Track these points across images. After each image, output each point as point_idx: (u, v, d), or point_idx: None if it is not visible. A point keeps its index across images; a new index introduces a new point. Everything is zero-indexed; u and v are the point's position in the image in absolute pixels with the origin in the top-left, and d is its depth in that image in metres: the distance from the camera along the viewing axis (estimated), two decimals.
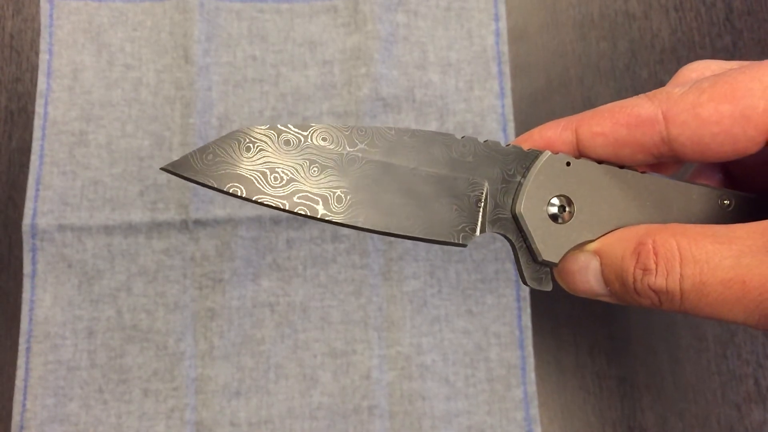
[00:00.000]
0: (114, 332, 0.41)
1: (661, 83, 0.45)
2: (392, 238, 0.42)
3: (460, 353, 0.41)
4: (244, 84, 0.45)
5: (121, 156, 0.43)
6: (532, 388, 0.41)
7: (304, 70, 0.45)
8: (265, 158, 0.25)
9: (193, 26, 0.44)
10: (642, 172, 0.27)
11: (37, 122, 0.43)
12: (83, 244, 0.42)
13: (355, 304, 0.42)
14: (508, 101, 0.44)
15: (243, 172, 0.25)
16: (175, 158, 0.43)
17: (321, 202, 0.25)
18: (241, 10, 0.45)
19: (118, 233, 0.42)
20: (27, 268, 0.41)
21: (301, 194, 0.25)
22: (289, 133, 0.26)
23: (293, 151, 0.26)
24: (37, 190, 0.42)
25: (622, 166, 0.27)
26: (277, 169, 0.25)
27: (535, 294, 0.42)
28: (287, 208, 0.25)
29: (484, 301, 0.42)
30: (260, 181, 0.25)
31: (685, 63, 0.45)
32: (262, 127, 0.25)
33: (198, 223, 0.42)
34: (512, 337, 0.41)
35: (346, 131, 0.26)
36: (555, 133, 0.27)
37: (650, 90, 0.42)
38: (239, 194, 0.25)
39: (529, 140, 0.28)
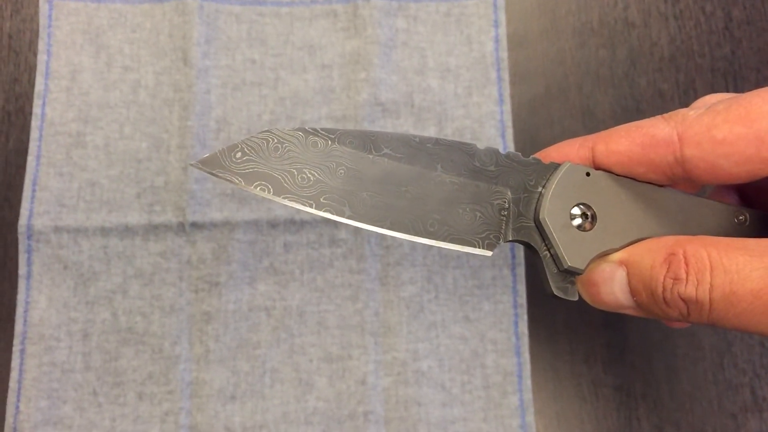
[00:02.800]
0: (109, 335, 0.41)
1: (660, 91, 0.45)
2: (390, 242, 0.42)
3: (457, 359, 0.41)
4: (243, 87, 0.44)
5: (119, 158, 0.43)
6: (528, 396, 0.40)
7: (303, 74, 0.45)
8: (292, 159, 0.26)
9: (192, 29, 0.44)
10: (660, 186, 0.28)
11: (35, 123, 0.43)
12: (79, 245, 0.41)
13: (351, 309, 0.42)
14: (507, 107, 0.44)
15: (270, 171, 0.25)
16: (173, 161, 0.43)
17: (347, 204, 0.26)
18: (241, 14, 0.45)
19: (114, 235, 0.42)
20: (22, 269, 0.41)
21: (327, 196, 0.26)
22: (317, 135, 0.26)
23: (320, 154, 0.26)
24: (34, 191, 0.42)
25: (640, 180, 0.27)
26: (304, 170, 0.26)
27: (532, 301, 0.42)
28: (314, 209, 0.25)
29: (481, 308, 0.42)
30: (287, 180, 0.26)
31: (684, 71, 0.45)
32: (291, 128, 0.26)
33: (195, 225, 0.42)
34: (509, 344, 0.41)
35: (372, 137, 0.26)
36: (572, 150, 0.28)
37: (649, 98, 0.43)
38: (266, 193, 0.25)
39: (547, 157, 0.29)
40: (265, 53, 0.45)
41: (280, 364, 0.41)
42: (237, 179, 0.25)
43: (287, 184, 0.25)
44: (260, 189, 0.25)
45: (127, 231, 0.42)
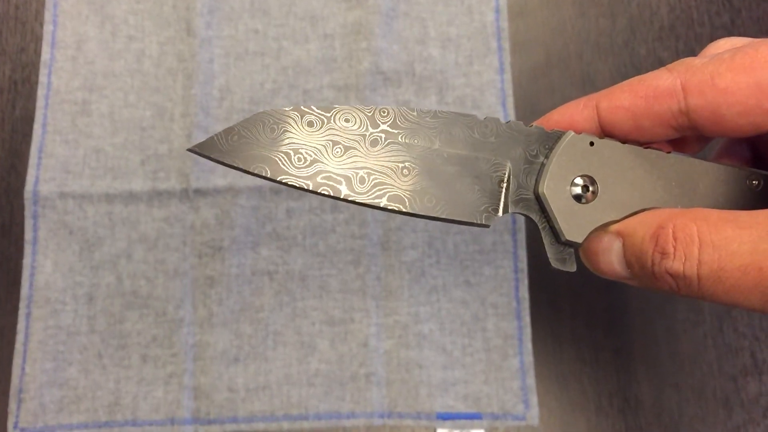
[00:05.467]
0: (114, 298, 0.41)
1: (660, 60, 0.45)
2: None
3: (458, 323, 0.41)
4: (246, 57, 0.45)
5: (123, 126, 0.43)
6: (529, 359, 0.41)
7: (306, 44, 0.45)
8: (289, 139, 0.26)
9: None
10: (667, 152, 0.27)
11: (41, 92, 0.43)
12: (84, 211, 0.42)
13: (353, 273, 0.42)
14: (508, 76, 0.45)
15: (268, 153, 0.26)
16: (177, 129, 0.43)
17: (344, 183, 0.26)
18: None
19: (119, 201, 0.42)
20: (28, 235, 0.41)
21: (324, 175, 0.26)
22: (312, 114, 0.26)
23: (316, 132, 0.26)
24: (40, 158, 0.42)
25: (646, 147, 0.27)
26: (300, 150, 0.26)
27: (533, 266, 0.42)
28: (311, 189, 0.26)
29: (482, 272, 0.42)
30: (284, 161, 0.26)
31: (684, 40, 0.45)
32: (286, 109, 0.26)
33: (198, 192, 0.42)
34: (509, 308, 0.42)
35: (369, 112, 0.26)
36: (576, 110, 0.27)
37: (649, 67, 0.43)
38: (264, 174, 0.25)
39: (550, 120, 0.28)
40: (268, 23, 0.46)
41: (282, 327, 0.41)
42: (236, 162, 0.25)
43: (284, 165, 0.26)
44: (258, 170, 0.25)
45: (131, 197, 0.42)
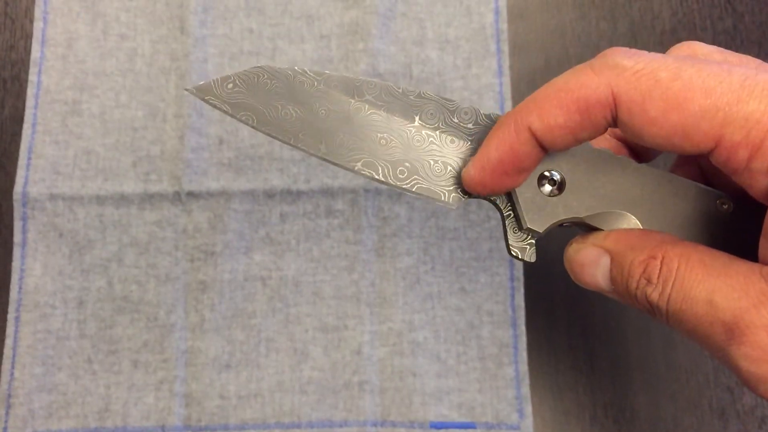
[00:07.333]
0: (104, 303, 0.41)
1: None
2: (387, 214, 0.42)
3: (452, 331, 0.41)
4: (240, 57, 0.44)
5: (115, 126, 0.43)
6: (524, 367, 0.40)
7: (301, 44, 0.44)
8: (279, 94, 0.28)
9: None
10: (638, 163, 0.27)
11: (30, 91, 0.43)
12: (74, 213, 0.41)
13: (347, 279, 0.41)
14: (506, 80, 0.44)
15: (257, 104, 0.27)
16: (169, 130, 0.43)
17: (324, 143, 0.27)
18: None
19: (110, 204, 0.42)
20: (17, 237, 0.41)
21: (305, 132, 0.27)
22: (305, 76, 0.28)
23: (306, 93, 0.28)
24: (29, 158, 0.42)
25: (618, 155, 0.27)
26: (288, 106, 0.28)
27: (528, 274, 0.42)
28: (291, 143, 0.27)
29: (478, 280, 0.42)
30: (271, 114, 0.28)
31: None
32: (283, 67, 0.28)
33: (191, 195, 0.42)
34: (505, 316, 0.41)
35: (357, 83, 0.28)
36: (512, 138, 0.25)
37: None
38: (250, 123, 0.27)
39: (490, 158, 0.26)
40: (263, 23, 0.45)
41: (275, 333, 0.41)
42: (226, 107, 0.27)
43: (270, 116, 0.27)
44: (245, 118, 0.27)
45: (122, 199, 0.42)
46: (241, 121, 0.27)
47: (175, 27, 0.44)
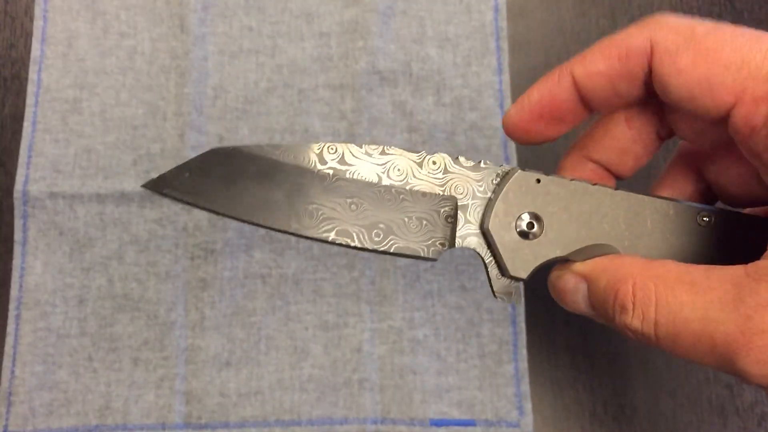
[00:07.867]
0: (105, 301, 0.41)
1: None
2: None
3: (452, 328, 0.41)
4: (240, 55, 0.44)
5: (115, 124, 0.43)
6: (524, 365, 0.40)
7: (301, 42, 0.44)
8: (238, 175, 0.27)
9: None
10: (614, 189, 0.27)
11: (31, 89, 0.43)
12: (75, 211, 0.41)
13: (347, 277, 0.41)
14: (506, 77, 0.44)
15: (217, 190, 0.27)
16: (169, 128, 0.43)
17: (293, 219, 0.27)
18: None
19: (110, 202, 0.42)
20: (18, 235, 0.41)
21: (270, 212, 0.27)
22: (261, 150, 0.27)
23: (265, 168, 0.27)
24: (30, 156, 0.42)
25: (594, 183, 0.27)
26: (250, 187, 0.27)
27: None
28: (261, 224, 0.27)
29: (477, 277, 0.42)
30: (234, 198, 0.27)
31: None
32: (237, 145, 0.27)
33: None
34: (505, 314, 0.41)
35: (317, 150, 0.27)
36: (554, 84, 0.27)
37: None
38: (214, 210, 0.27)
39: (531, 98, 0.28)
40: (263, 20, 0.45)
41: (275, 331, 0.41)
42: (187, 198, 0.27)
43: (234, 201, 0.27)
44: (208, 206, 0.27)
45: (122, 198, 0.42)
46: (204, 209, 0.27)
47: (175, 25, 0.44)
